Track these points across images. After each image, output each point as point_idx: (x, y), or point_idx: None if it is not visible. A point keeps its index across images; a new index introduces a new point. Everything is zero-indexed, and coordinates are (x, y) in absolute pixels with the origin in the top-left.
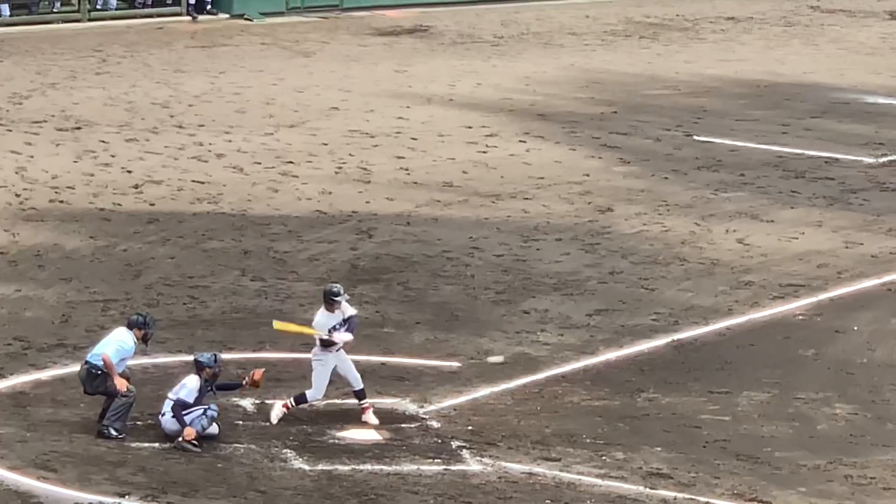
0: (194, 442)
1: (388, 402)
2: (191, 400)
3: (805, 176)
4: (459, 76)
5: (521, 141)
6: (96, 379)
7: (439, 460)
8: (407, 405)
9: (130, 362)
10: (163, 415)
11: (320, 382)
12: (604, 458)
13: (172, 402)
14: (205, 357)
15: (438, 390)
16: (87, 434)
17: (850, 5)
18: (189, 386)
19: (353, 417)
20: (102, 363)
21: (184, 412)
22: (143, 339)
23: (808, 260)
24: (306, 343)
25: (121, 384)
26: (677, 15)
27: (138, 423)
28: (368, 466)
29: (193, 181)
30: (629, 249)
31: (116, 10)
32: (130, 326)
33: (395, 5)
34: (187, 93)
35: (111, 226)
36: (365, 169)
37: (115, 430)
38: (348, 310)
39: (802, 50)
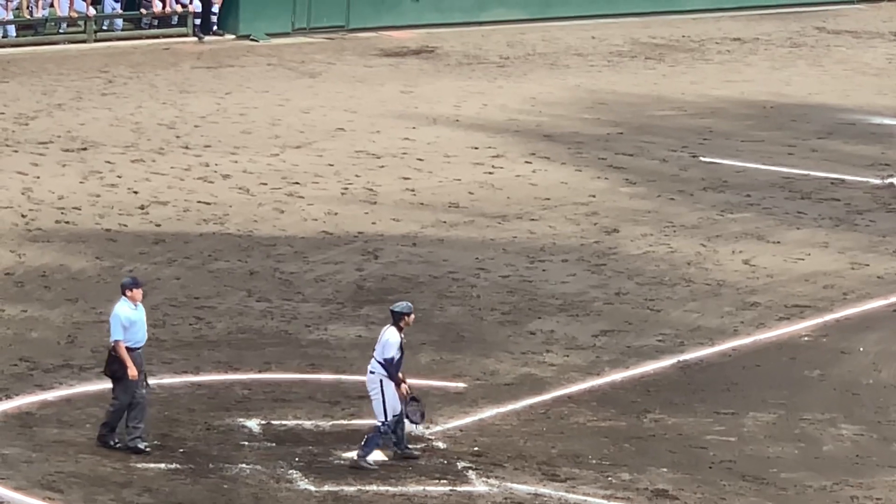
0: (370, 462)
1: None
2: (396, 354)
3: (811, 197)
4: (465, 97)
5: (527, 162)
6: (114, 362)
7: (445, 481)
8: (412, 426)
9: None
10: (371, 372)
11: None
12: (610, 478)
13: (380, 361)
14: (401, 305)
15: (444, 411)
16: (92, 455)
17: (856, 26)
18: (391, 341)
19: (358, 438)
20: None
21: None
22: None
23: (813, 281)
24: (312, 363)
25: (132, 373)
26: (683, 36)
27: (145, 446)
28: (374, 487)
29: (199, 202)
30: (635, 270)
31: (122, 30)
32: (123, 291)
33: (400, 26)
34: (193, 113)
35: (117, 246)
36: (371, 190)
37: (146, 445)
38: None
39: (808, 71)
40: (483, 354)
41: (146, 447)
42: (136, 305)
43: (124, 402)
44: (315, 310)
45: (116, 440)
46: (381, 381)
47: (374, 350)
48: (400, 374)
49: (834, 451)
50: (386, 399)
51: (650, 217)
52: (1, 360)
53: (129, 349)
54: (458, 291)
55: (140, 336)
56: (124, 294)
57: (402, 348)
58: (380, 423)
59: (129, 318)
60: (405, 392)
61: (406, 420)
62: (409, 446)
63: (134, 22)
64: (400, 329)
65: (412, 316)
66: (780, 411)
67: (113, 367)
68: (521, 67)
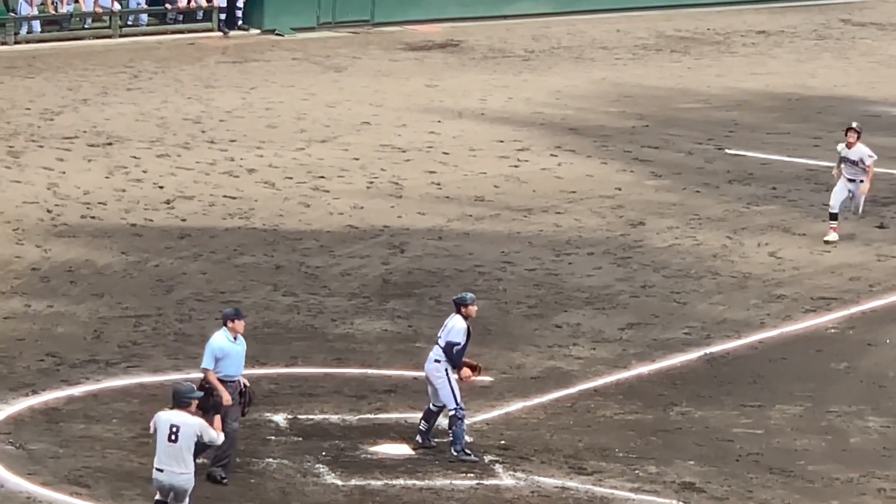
0: (468, 451)
1: (420, 416)
2: (461, 339)
3: None
4: (491, 90)
5: (552, 155)
6: (203, 394)
7: (472, 475)
8: (440, 420)
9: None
10: (437, 360)
11: None
12: (637, 471)
13: (443, 346)
14: (462, 295)
15: (471, 405)
16: (119, 450)
17: (882, 18)
18: (457, 327)
19: (385, 432)
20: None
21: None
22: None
23: (840, 273)
24: (338, 357)
25: (226, 398)
26: (708, 29)
27: (222, 477)
28: (401, 481)
29: (225, 196)
30: (661, 263)
31: (147, 25)
32: (224, 321)
33: (425, 20)
34: (219, 108)
35: (143, 241)
36: (396, 183)
37: (222, 476)
38: None
39: (833, 63)
40: (509, 348)
41: (224, 478)
42: (235, 338)
43: (226, 432)
44: (341, 304)
45: (224, 475)
46: (446, 368)
47: (437, 337)
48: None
49: (861, 443)
50: (453, 385)
51: (676, 210)
52: (27, 356)
53: (220, 381)
54: (484, 285)
55: (233, 370)
56: (225, 325)
57: (468, 335)
58: (453, 411)
59: (222, 349)
60: (465, 377)
61: None
62: (433, 440)
63: (159, 17)
64: (464, 318)
65: (474, 307)
66: (807, 404)
67: (209, 399)
68: (546, 61)
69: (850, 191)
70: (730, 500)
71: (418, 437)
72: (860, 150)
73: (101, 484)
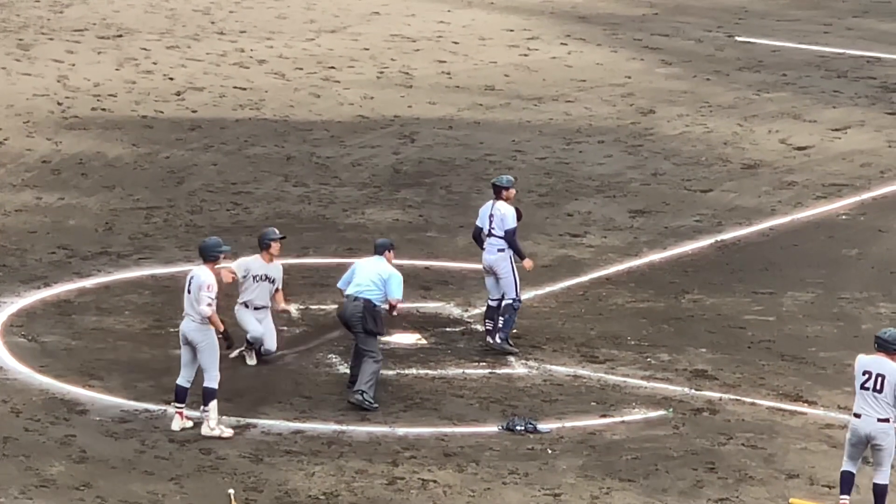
0: (511, 342)
1: (432, 306)
2: (516, 224)
3: (847, 75)
4: None
5: (562, 43)
6: (377, 318)
7: (484, 364)
8: (451, 309)
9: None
10: (500, 250)
11: None
12: (648, 359)
13: (501, 236)
14: (500, 178)
15: (482, 294)
16: (131, 341)
17: None
18: (509, 213)
19: (397, 322)
20: (388, 306)
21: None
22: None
23: (850, 159)
24: (350, 247)
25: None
26: None
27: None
28: (413, 371)
29: (235, 87)
30: (672, 151)
31: None
32: (381, 252)
33: None
34: None
35: (153, 133)
36: (407, 73)
37: (370, 399)
38: None
39: None
40: (521, 237)
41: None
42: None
43: (380, 357)
44: (352, 194)
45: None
46: (510, 257)
47: (491, 228)
48: None
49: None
50: (516, 275)
51: (686, 97)
52: (39, 249)
53: None
54: (495, 174)
55: None
56: (383, 254)
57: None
58: (511, 300)
59: None
60: (529, 266)
61: None
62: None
63: None
64: (505, 201)
65: (513, 190)
66: (819, 290)
67: (376, 324)
68: None
69: (257, 319)
70: (742, 388)
71: (488, 338)
72: (277, 268)
73: (114, 376)
